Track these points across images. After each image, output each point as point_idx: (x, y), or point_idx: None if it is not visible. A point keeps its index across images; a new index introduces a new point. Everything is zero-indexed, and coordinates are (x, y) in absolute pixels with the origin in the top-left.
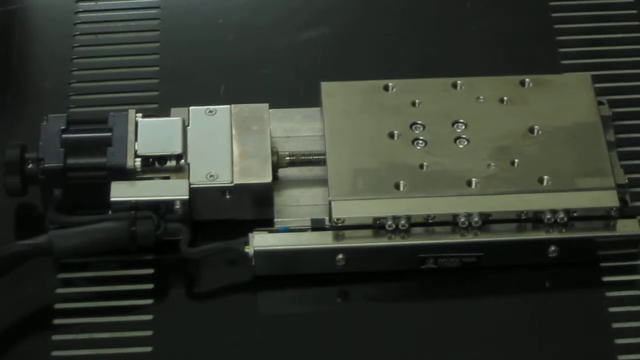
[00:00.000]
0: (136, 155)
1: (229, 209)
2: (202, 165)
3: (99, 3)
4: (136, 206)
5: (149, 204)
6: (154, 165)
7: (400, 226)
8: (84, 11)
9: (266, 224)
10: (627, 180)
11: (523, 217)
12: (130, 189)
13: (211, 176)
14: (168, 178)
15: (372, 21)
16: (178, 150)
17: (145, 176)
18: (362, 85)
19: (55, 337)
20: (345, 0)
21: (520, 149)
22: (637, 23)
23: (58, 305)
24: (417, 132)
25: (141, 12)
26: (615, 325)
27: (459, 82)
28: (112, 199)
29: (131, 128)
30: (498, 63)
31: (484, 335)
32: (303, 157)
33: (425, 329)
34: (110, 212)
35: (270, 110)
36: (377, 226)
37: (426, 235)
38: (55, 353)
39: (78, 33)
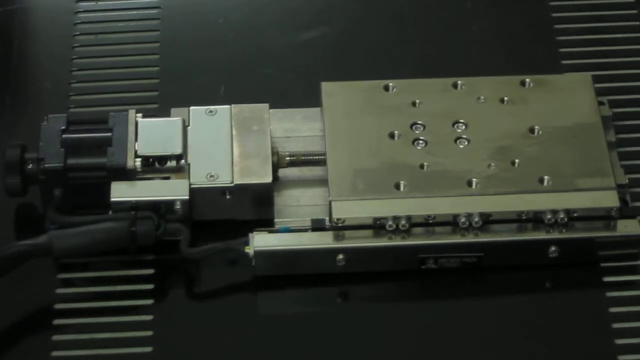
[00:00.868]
0: (136, 156)
1: (229, 209)
2: (203, 166)
3: (99, 3)
4: (136, 206)
5: (149, 204)
6: (154, 166)
7: (400, 226)
8: (84, 11)
9: (266, 224)
10: (627, 181)
11: (524, 217)
12: (131, 189)
13: (211, 176)
14: (168, 178)
15: (372, 21)
16: (178, 150)
17: (146, 176)
18: (362, 85)
19: (56, 338)
20: (345, 0)
21: (521, 149)
22: (637, 23)
23: (58, 306)
24: (417, 132)
25: (141, 12)
26: (616, 325)
27: (459, 82)
28: (112, 199)
29: (131, 128)
30: (498, 63)
31: (484, 335)
32: (303, 157)
33: (425, 329)
34: (110, 213)
35: (271, 110)
36: (377, 226)
37: (426, 235)
38: (55, 353)
39: (78, 33)
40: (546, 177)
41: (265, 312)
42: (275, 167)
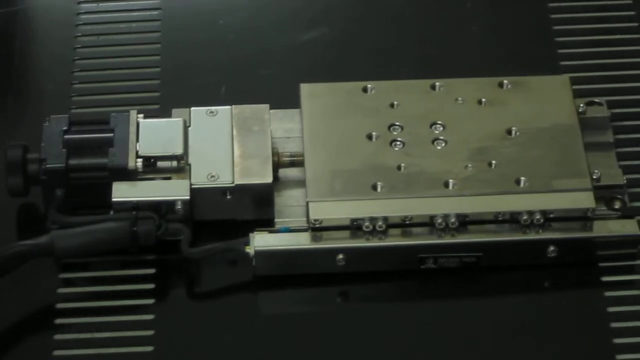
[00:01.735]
0: (138, 156)
1: (229, 209)
2: (203, 166)
3: (100, 4)
4: (137, 206)
5: (150, 204)
6: (156, 166)
7: (377, 227)
8: (85, 12)
9: (267, 224)
10: (625, 181)
11: (500, 219)
12: (132, 190)
13: (212, 176)
14: (169, 178)
15: (372, 21)
16: (179, 150)
17: (147, 176)
18: (341, 86)
19: (57, 337)
20: (345, 1)
21: (498, 150)
22: (636, 24)
23: (60, 305)
24: (395, 133)
25: (142, 13)
26: (614, 324)
27: (437, 83)
28: (113, 200)
29: (133, 129)
30: (497, 63)
31: (484, 335)
32: (303, 158)
33: (425, 329)
34: (111, 213)
35: (271, 110)
36: (354, 227)
37: (426, 235)
38: (56, 352)
39: (80, 34)
40: (523, 178)
41: (265, 312)
42: (276, 168)
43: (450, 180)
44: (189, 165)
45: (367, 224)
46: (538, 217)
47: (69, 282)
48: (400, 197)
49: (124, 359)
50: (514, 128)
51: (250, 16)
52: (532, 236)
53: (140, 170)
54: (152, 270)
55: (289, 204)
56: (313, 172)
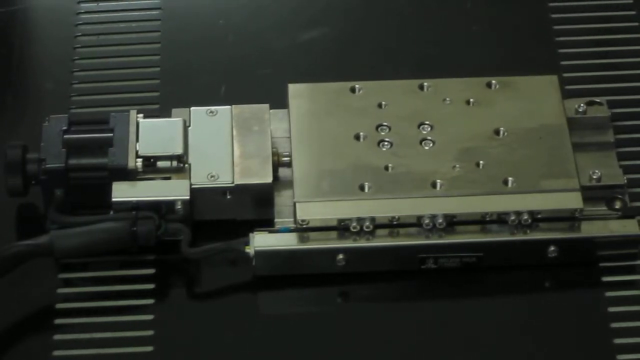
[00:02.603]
0: (137, 156)
1: (229, 209)
2: (203, 166)
3: (100, 4)
4: (137, 206)
5: (150, 204)
6: (155, 166)
7: (364, 228)
8: (85, 12)
9: (267, 224)
10: (625, 181)
11: (487, 219)
12: (132, 189)
13: (212, 176)
14: (169, 178)
15: (372, 21)
16: (179, 150)
17: (147, 176)
18: (328, 87)
19: (57, 337)
20: (345, 0)
21: (486, 150)
22: (636, 24)
23: (59, 305)
24: (382, 133)
25: (142, 13)
26: (615, 325)
27: (425, 84)
28: (113, 199)
29: (132, 129)
30: (497, 63)
31: (484, 336)
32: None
33: (425, 329)
34: (111, 213)
35: (271, 110)
36: (341, 227)
37: (426, 235)
38: (56, 353)
39: (79, 34)
40: (510, 178)
41: (265, 312)
42: (276, 167)
43: (438, 181)
44: (189, 165)
45: (354, 224)
46: (526, 217)
47: (68, 282)
48: (387, 197)
49: (124, 359)
50: (502, 128)
51: (250, 16)
52: (532, 236)
53: (140, 170)
54: (152, 271)
55: (289, 204)
56: (300, 172)
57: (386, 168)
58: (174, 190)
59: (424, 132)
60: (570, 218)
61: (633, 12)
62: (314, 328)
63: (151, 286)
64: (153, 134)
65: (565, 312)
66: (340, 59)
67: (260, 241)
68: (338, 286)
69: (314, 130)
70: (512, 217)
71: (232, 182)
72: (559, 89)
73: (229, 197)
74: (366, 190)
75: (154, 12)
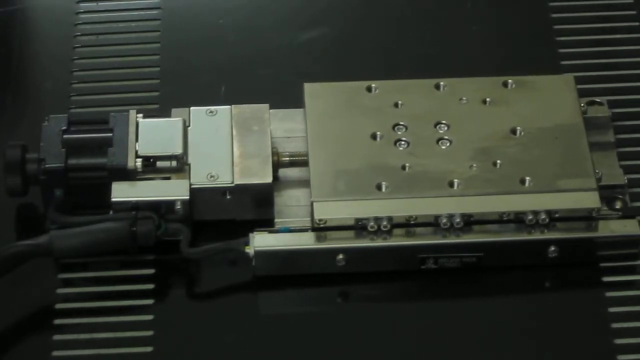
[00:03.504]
0: (137, 156)
1: (229, 209)
2: (203, 166)
3: (99, 4)
4: (137, 206)
5: (150, 204)
6: (155, 166)
7: (382, 227)
8: (84, 12)
9: (266, 224)
10: (626, 181)
11: (505, 218)
12: (131, 190)
13: (212, 176)
14: (169, 178)
15: (372, 21)
16: (179, 150)
17: (146, 176)
18: (345, 86)
19: (56, 337)
20: (345, 0)
21: (503, 150)
22: (637, 23)
23: (59, 306)
24: (399, 133)
25: (142, 12)
26: (615, 325)
27: (441, 83)
28: (113, 199)
29: (132, 128)
30: (498, 63)
31: (484, 336)
32: (303, 158)
33: (425, 329)
34: (111, 213)
35: (271, 110)
36: (359, 227)
37: (426, 235)
38: (56, 353)
39: (79, 34)
40: (527, 178)
41: (265, 312)
42: (276, 167)
43: (455, 180)
44: (189, 165)
45: (371, 224)
46: (543, 217)
47: (68, 282)
48: (404, 197)
49: (124, 359)
50: (518, 128)
51: (250, 16)
52: (532, 236)
53: (139, 170)
54: (151, 271)
55: (289, 204)
56: (317, 172)
57: (403, 167)
58: (174, 190)
59: (441, 132)
60: (587, 218)
61: (633, 12)
62: (314, 328)
63: (151, 286)
64: (153, 134)
65: (566, 312)
66: (340, 59)
67: (260, 241)
68: (338, 286)
69: (331, 129)
70: (530, 217)
71: (232, 182)
72: (575, 89)
73: (228, 197)
74: (383, 189)
75: (153, 12)
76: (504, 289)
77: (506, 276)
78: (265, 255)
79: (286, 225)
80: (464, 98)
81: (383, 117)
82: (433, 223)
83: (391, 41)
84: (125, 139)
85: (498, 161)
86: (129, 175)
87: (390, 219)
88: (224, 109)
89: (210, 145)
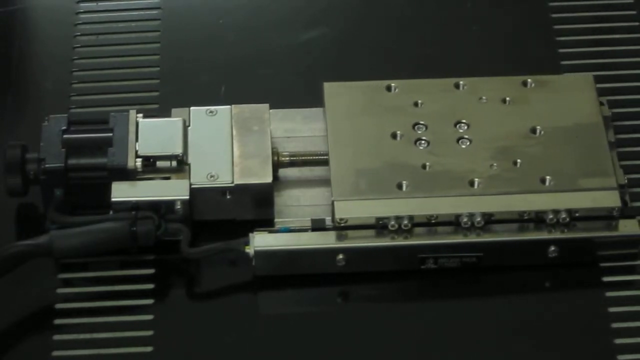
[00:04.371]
0: (137, 156)
1: (229, 209)
2: (203, 166)
3: (99, 4)
4: (137, 206)
5: (150, 204)
6: (155, 166)
7: (402, 226)
8: (84, 12)
9: (267, 224)
10: (626, 181)
11: (525, 217)
12: (131, 189)
13: (212, 176)
14: (169, 178)
15: (372, 21)
16: (179, 150)
17: (146, 176)
18: (364, 85)
19: (56, 337)
20: (345, 1)
21: (523, 149)
22: (637, 23)
23: (59, 305)
24: (419, 132)
25: (142, 12)
26: (615, 325)
27: (461, 82)
28: (112, 199)
29: (132, 128)
30: (498, 63)
31: (484, 336)
32: (303, 157)
33: (425, 329)
34: (111, 213)
35: (271, 110)
36: (379, 226)
37: (426, 235)
38: (56, 353)
39: (79, 34)
40: (548, 177)
41: (265, 312)
42: (276, 167)
43: (476, 179)
44: (189, 165)
45: (392, 222)
46: (564, 216)
47: (68, 282)
48: (425, 196)
49: (124, 359)
50: (538, 127)
51: (250, 16)
52: (532, 236)
53: (139, 170)
54: (151, 271)
55: (289, 204)
56: (338, 171)
57: (423, 167)
58: (174, 190)
59: (461, 131)
60: (607, 217)
61: (633, 12)
62: (314, 328)
63: (151, 286)
64: (153, 134)
65: (565, 312)
66: (340, 59)
67: (260, 241)
68: (338, 286)
69: (351, 128)
70: (550, 216)
71: (232, 182)
72: (594, 88)
73: (228, 197)
74: (404, 188)
75: (153, 12)
76: (504, 289)
77: (506, 276)
78: (265, 255)
79: (286, 225)
80: (484, 97)
81: (403, 116)
82: (454, 222)
83: (391, 41)
84: (125, 139)
85: (518, 160)
86: (129, 175)
87: (411, 218)
88: (224, 109)
89: (210, 145)
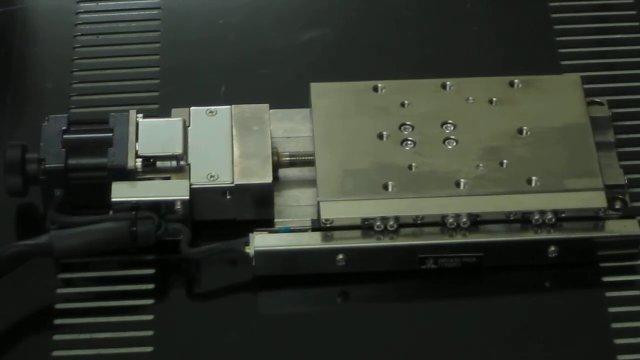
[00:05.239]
0: (137, 156)
1: (229, 209)
2: (203, 166)
3: (99, 4)
4: (137, 206)
5: (150, 204)
6: (155, 166)
7: (388, 227)
8: (84, 12)
9: (266, 224)
10: (626, 181)
11: (512, 218)
12: (131, 190)
13: (212, 176)
14: (169, 178)
15: (372, 21)
16: (179, 150)
17: (146, 176)
18: (351, 86)
19: (56, 337)
20: (345, 1)
21: (509, 149)
22: (636, 23)
23: (59, 306)
24: (406, 132)
25: (142, 12)
26: (615, 325)
27: (448, 83)
28: (112, 200)
29: (132, 128)
30: (498, 63)
31: (484, 336)
32: (303, 158)
33: (425, 329)
34: (111, 213)
35: (271, 110)
36: (365, 227)
37: (426, 235)
38: (56, 353)
39: (79, 34)
40: (534, 177)
41: (265, 312)
42: (276, 167)
43: (462, 180)
44: (189, 165)
45: (378, 223)
46: (550, 216)
47: (68, 282)
48: (411, 196)
49: (124, 359)
50: (525, 127)
51: (250, 16)
52: (532, 236)
53: (139, 170)
54: (151, 271)
55: (289, 204)
56: (324, 171)
57: (410, 167)
58: (174, 190)
59: (447, 131)
60: (593, 217)
61: (633, 12)
62: (314, 328)
63: (151, 286)
64: (153, 134)
65: (565, 312)
66: (340, 59)
67: (260, 241)
68: (338, 286)
69: (337, 129)
70: (536, 217)
71: (232, 182)
72: (582, 88)
73: (228, 197)
74: (390, 189)
75: (153, 12)
76: (504, 289)
77: (506, 276)
78: (265, 255)
79: (286, 225)
80: (471, 98)
81: (389, 116)
82: (440, 223)
83: (391, 41)
84: (125, 139)
85: (505, 161)
86: (129, 175)
87: (396, 218)
88: (224, 109)
89: (210, 145)
